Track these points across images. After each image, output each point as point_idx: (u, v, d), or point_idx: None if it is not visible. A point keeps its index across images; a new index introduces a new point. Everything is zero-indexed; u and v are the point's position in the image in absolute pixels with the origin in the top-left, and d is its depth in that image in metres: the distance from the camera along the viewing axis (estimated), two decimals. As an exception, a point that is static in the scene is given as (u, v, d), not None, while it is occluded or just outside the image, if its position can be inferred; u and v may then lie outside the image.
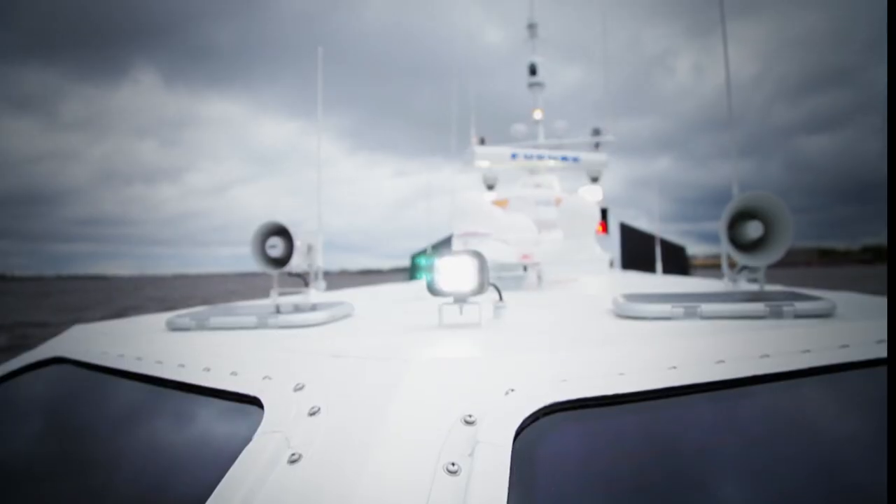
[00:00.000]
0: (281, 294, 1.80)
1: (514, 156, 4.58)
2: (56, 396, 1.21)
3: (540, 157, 4.72)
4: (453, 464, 0.64)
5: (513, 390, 0.76)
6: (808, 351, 0.90)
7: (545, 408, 0.74)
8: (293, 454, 0.68)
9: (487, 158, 4.68)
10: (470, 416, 0.71)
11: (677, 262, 8.77)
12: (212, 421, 0.91)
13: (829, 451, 0.80)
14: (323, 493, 0.62)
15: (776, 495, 0.72)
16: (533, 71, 6.51)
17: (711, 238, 1.71)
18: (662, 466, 0.74)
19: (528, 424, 0.72)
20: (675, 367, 0.84)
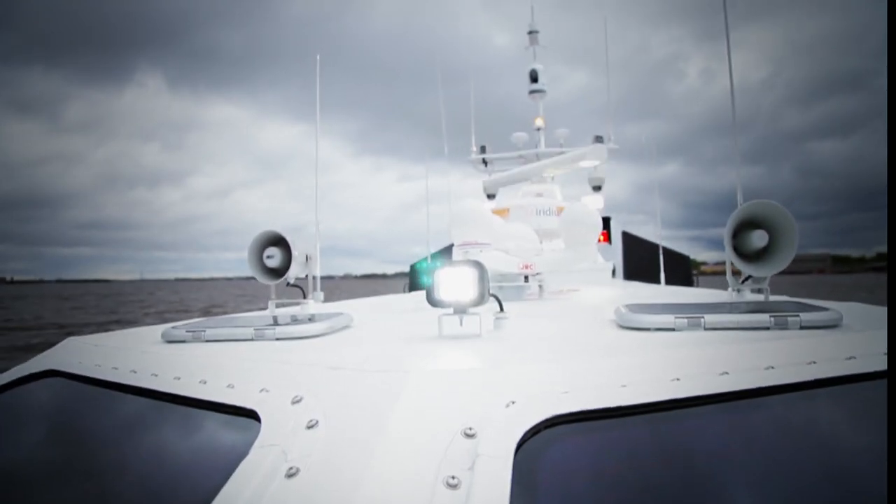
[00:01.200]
0: (279, 305, 1.78)
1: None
2: (49, 410, 1.19)
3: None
4: (453, 477, 0.63)
5: (514, 402, 0.75)
6: (813, 362, 0.89)
7: (546, 420, 0.73)
8: (291, 468, 0.67)
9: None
10: (470, 428, 0.70)
11: (681, 271, 8.73)
12: (208, 434, 0.90)
13: (835, 465, 0.79)
14: None
15: None
16: (534, 78, 6.49)
17: (721, 244, 1.69)
18: (666, 479, 0.73)
19: (530, 437, 0.71)
20: (678, 379, 0.82)
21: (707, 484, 0.74)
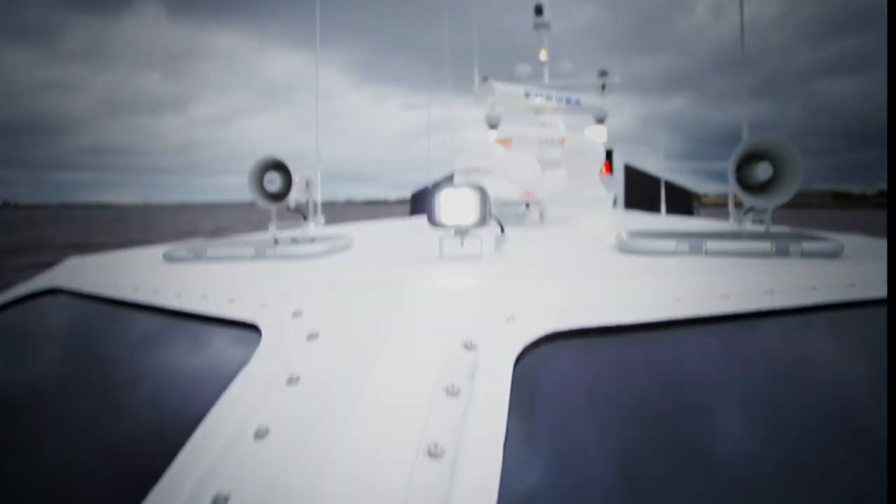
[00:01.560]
0: (279, 227, 1.78)
1: (527, 94, 4.46)
2: (52, 326, 1.21)
3: (549, 97, 4.61)
4: (453, 386, 0.64)
5: (514, 317, 0.76)
6: (813, 288, 0.89)
7: (546, 336, 0.74)
8: (291, 376, 0.69)
9: (503, 97, 4.60)
10: (470, 341, 0.71)
11: (682, 205, 8.67)
12: (210, 347, 0.92)
13: (831, 388, 0.80)
14: (322, 412, 0.63)
15: (776, 429, 0.72)
16: (539, 11, 6.26)
17: (723, 177, 1.67)
18: (661, 396, 0.75)
19: (529, 351, 0.72)
20: (678, 300, 0.83)
21: (702, 402, 0.75)
